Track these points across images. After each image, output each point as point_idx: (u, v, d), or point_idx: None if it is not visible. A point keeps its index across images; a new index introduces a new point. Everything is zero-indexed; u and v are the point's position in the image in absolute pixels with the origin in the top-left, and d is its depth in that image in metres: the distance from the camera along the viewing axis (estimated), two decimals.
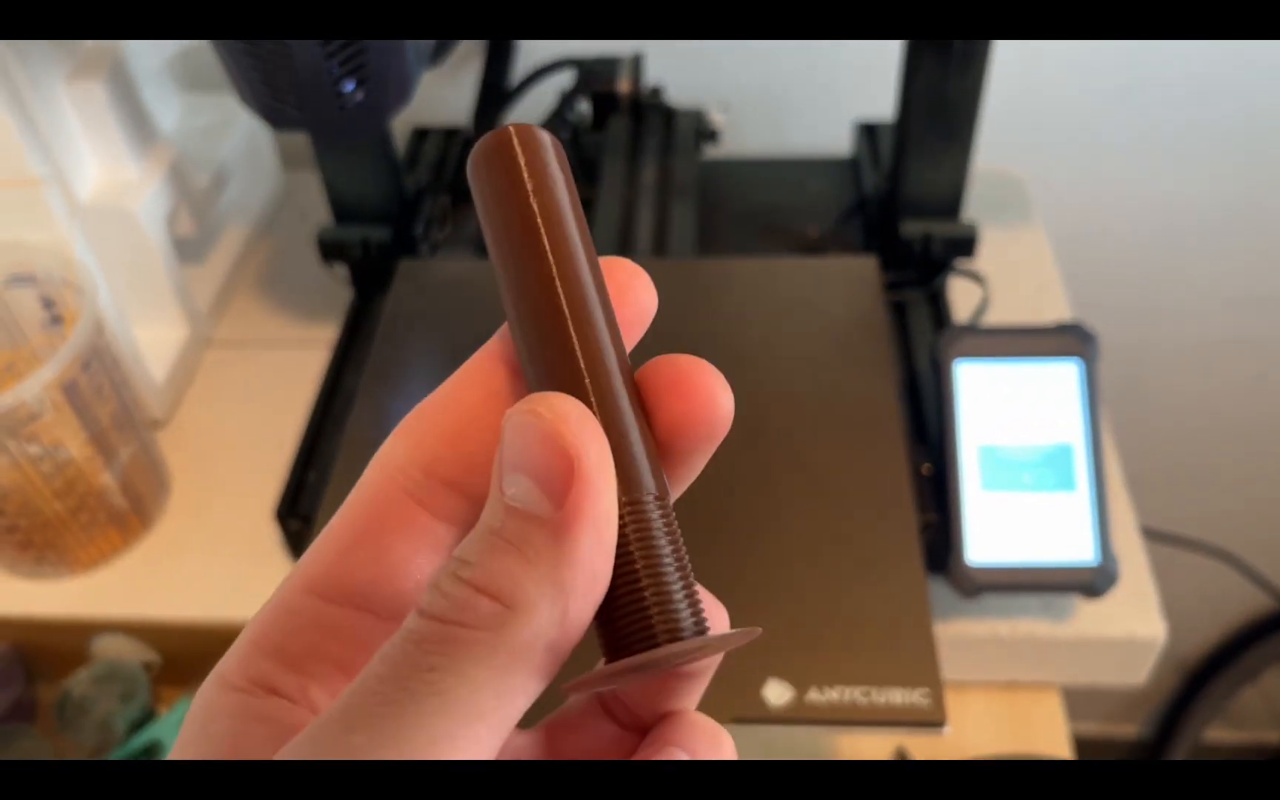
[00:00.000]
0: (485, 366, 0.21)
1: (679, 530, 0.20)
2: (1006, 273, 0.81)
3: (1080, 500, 0.55)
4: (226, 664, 0.20)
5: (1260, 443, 1.20)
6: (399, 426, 0.20)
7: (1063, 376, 0.57)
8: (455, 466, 0.20)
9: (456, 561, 0.17)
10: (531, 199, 0.19)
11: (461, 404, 0.20)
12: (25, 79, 0.61)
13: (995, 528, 0.55)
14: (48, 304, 0.63)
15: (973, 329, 0.58)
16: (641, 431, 0.20)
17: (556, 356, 0.19)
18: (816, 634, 0.45)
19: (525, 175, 0.20)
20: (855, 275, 0.62)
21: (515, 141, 0.20)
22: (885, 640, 0.45)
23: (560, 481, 0.17)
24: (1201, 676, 1.46)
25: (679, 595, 0.19)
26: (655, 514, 0.19)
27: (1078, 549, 0.54)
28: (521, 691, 0.17)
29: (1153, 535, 1.21)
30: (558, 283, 0.19)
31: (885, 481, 0.51)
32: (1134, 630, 0.59)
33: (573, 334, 0.19)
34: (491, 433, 0.19)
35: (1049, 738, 0.62)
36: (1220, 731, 1.50)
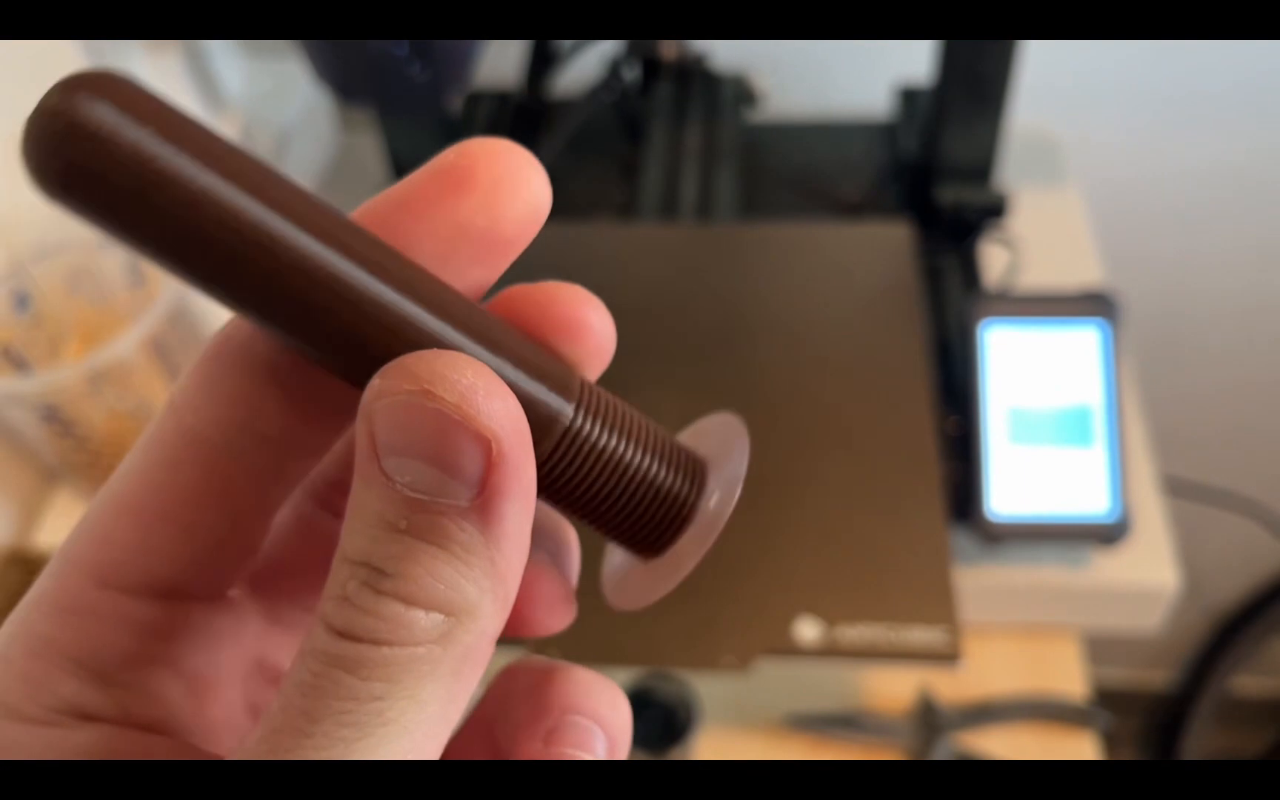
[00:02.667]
0: None
1: (617, 399, 0.18)
2: (1041, 233, 0.83)
3: (1097, 457, 0.58)
4: (6, 692, 0.16)
5: None
6: (202, 360, 0.17)
7: (1085, 340, 0.60)
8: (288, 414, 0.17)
9: (367, 571, 0.14)
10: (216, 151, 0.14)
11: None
12: (110, 53, 0.66)
13: (1017, 481, 0.59)
14: (133, 265, 0.68)
15: (1000, 294, 0.61)
16: (522, 345, 0.17)
17: (391, 309, 0.15)
18: (845, 576, 0.49)
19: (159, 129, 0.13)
20: (889, 241, 0.65)
21: (99, 97, 0.13)
22: (908, 582, 0.49)
23: (475, 465, 0.15)
24: (1231, 627, 1.48)
25: (671, 457, 0.18)
26: (590, 422, 0.17)
27: (1094, 502, 0.58)
28: (471, 685, 0.15)
29: (1186, 489, 1.24)
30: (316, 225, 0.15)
31: (912, 436, 0.55)
32: (1147, 579, 0.62)
33: (390, 272, 0.16)
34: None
35: (1067, 678, 0.66)
36: (1248, 679, 1.53)
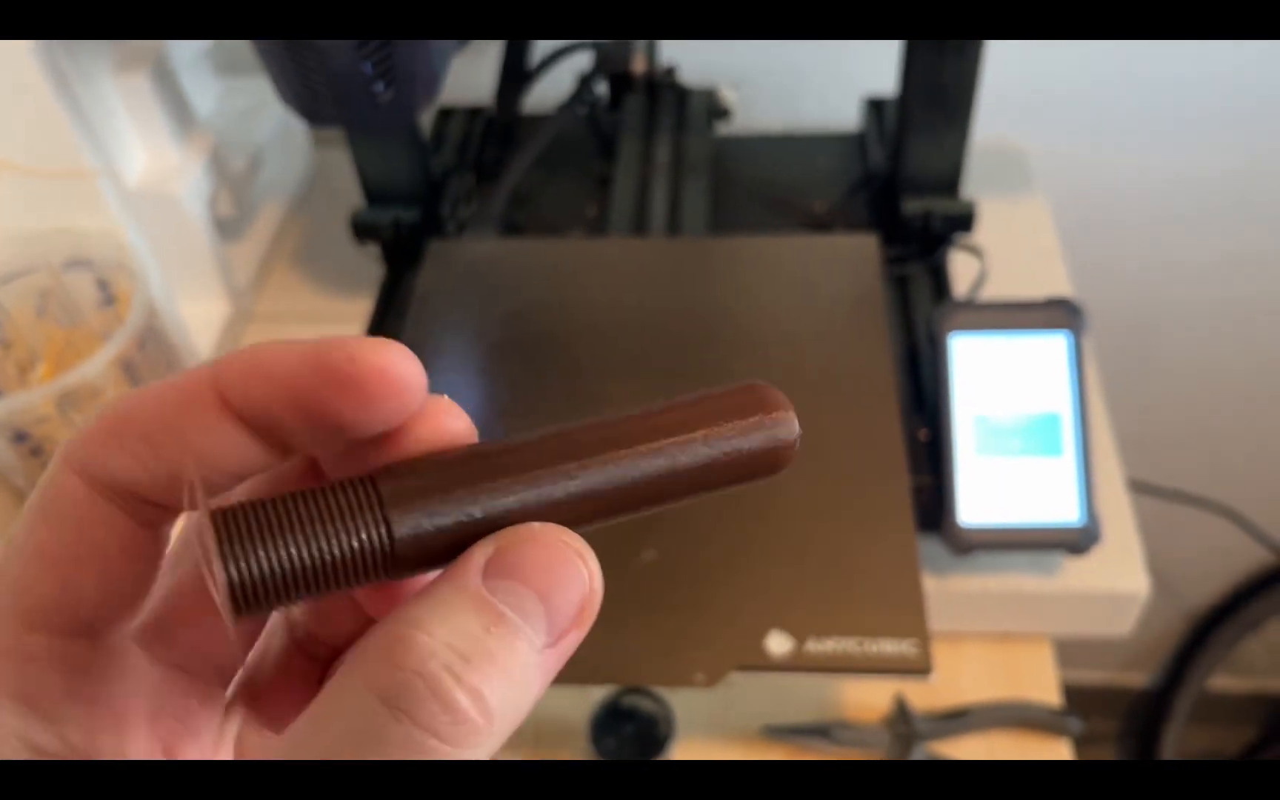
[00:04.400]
0: (196, 379, 0.18)
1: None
2: (1008, 243, 0.84)
3: (1066, 465, 0.59)
4: None
5: (1261, 403, 1.23)
6: (94, 425, 0.18)
7: (1052, 348, 0.60)
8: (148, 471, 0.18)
9: (451, 655, 0.17)
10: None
11: (165, 403, 0.18)
12: (77, 75, 0.65)
13: (986, 490, 0.59)
14: (102, 285, 0.68)
15: (967, 304, 0.61)
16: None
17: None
18: (815, 589, 0.50)
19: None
20: (856, 253, 0.66)
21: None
22: (878, 595, 0.49)
23: (567, 625, 0.18)
24: (1206, 627, 1.50)
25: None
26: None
27: (1063, 510, 0.58)
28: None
29: (1157, 492, 1.25)
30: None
31: (881, 447, 0.55)
32: (1118, 585, 0.63)
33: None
34: (189, 438, 0.18)
35: (1039, 685, 0.66)
36: (1224, 679, 1.54)
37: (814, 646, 0.48)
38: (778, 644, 0.48)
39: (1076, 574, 0.63)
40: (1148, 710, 1.56)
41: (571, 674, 0.50)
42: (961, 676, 0.67)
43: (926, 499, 0.61)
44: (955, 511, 0.59)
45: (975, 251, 0.73)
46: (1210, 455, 1.29)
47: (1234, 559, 1.44)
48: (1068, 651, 0.69)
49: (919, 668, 0.47)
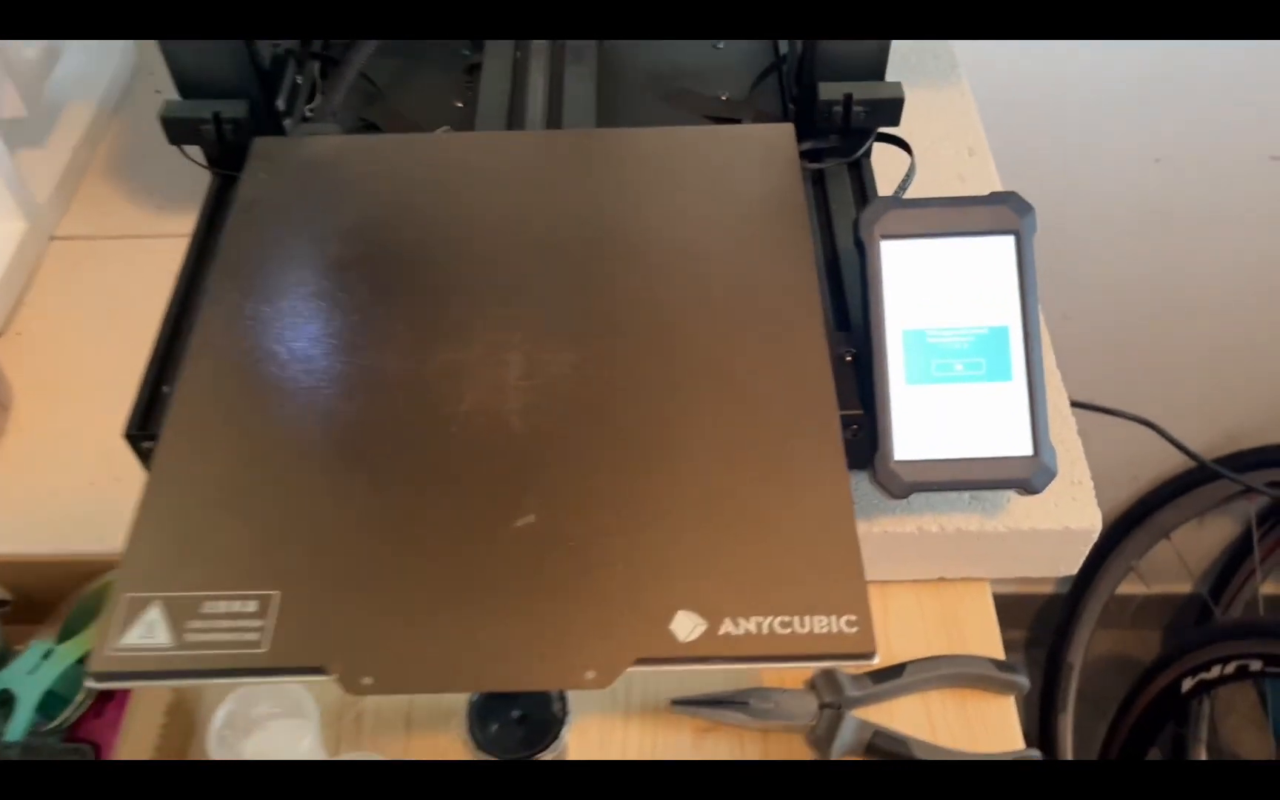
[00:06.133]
0: None
1: None
2: (933, 139, 0.75)
3: (1016, 390, 0.50)
4: None
5: (1176, 312, 1.18)
6: None
7: (996, 253, 0.52)
8: None
9: None
10: None
11: None
12: None
13: (924, 422, 0.50)
14: None
15: (898, 202, 0.52)
16: None
17: None
18: (730, 557, 0.40)
19: None
20: (769, 145, 0.56)
21: None
22: (806, 561, 0.40)
23: None
24: (1116, 535, 1.47)
25: None
26: None
27: (1013, 443, 0.50)
28: None
29: (1074, 405, 1.20)
30: None
31: (804, 378, 0.46)
32: (1069, 522, 0.55)
33: None
34: None
35: (980, 635, 0.59)
36: (1133, 586, 1.53)
37: (730, 629, 0.39)
38: (686, 627, 0.39)
39: (1023, 511, 0.56)
40: (1057, 617, 1.54)
41: (430, 679, 0.41)
42: (892, 629, 0.59)
43: (854, 433, 0.53)
44: (889, 447, 0.50)
45: (903, 144, 0.64)
46: (1126, 361, 1.24)
47: (1147, 468, 1.41)
48: None
49: (859, 650, 0.38)
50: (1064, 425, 0.59)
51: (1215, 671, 1.19)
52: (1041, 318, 0.62)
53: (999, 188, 0.70)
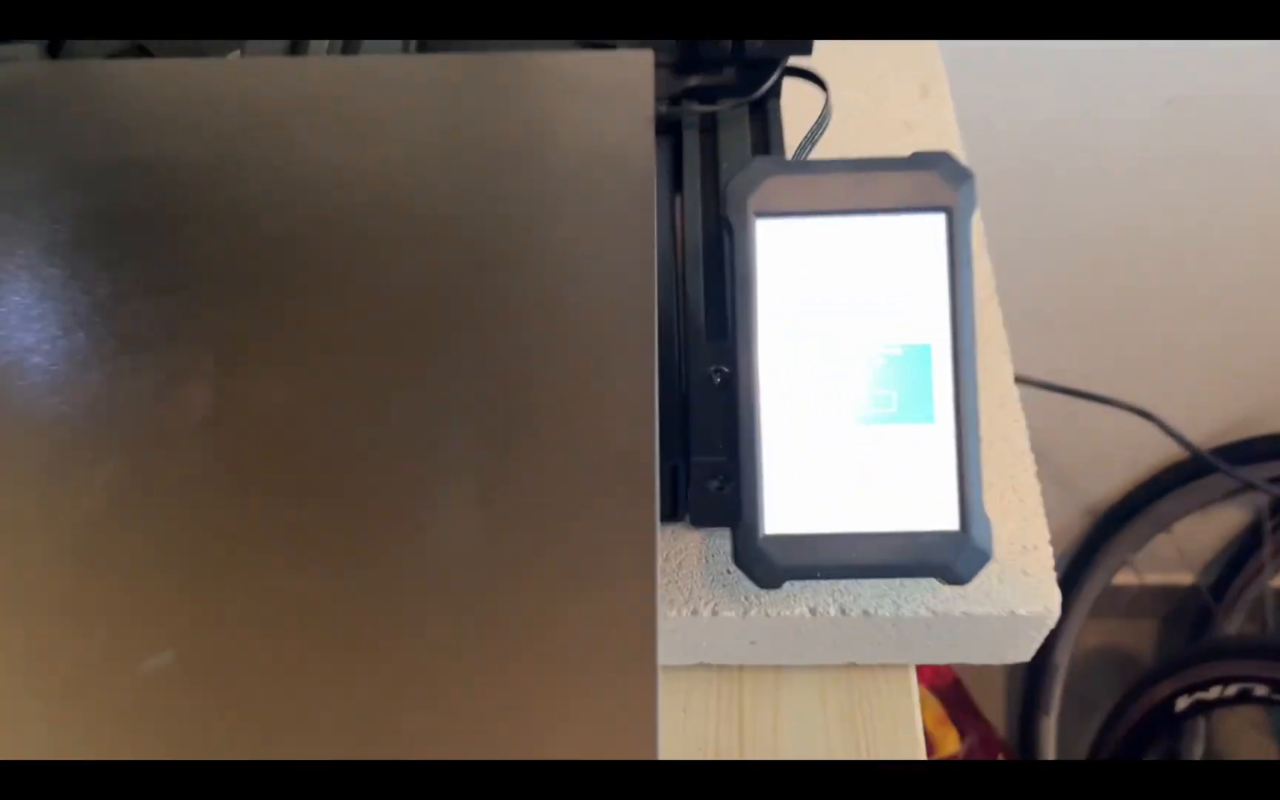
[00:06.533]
0: None
1: None
2: (876, 75, 0.60)
3: (940, 437, 0.35)
4: None
5: (1180, 286, 1.03)
6: None
7: (918, 239, 0.36)
8: None
9: None
10: None
11: None
12: None
13: (809, 480, 0.36)
14: None
15: (781, 165, 0.37)
16: None
17: None
18: (487, 692, 0.26)
19: None
20: (617, 79, 0.40)
21: None
22: (590, 709, 0.26)
23: None
24: (1111, 526, 1.33)
25: None
26: None
27: (933, 514, 0.35)
28: None
29: (1067, 392, 1.05)
30: None
31: (615, 420, 0.31)
32: (1017, 605, 0.40)
33: None
34: None
35: (895, 733, 0.44)
36: (1129, 577, 1.39)
37: None
38: None
39: (955, 589, 0.41)
40: None
41: None
42: (783, 728, 0.45)
43: (720, 488, 0.38)
44: (755, 518, 0.35)
45: (817, 80, 0.48)
46: (1125, 349, 1.09)
47: (1144, 452, 1.26)
48: None
49: None
50: (1018, 464, 0.44)
51: (1215, 692, 1.06)
52: (993, 307, 0.47)
53: (957, 145, 0.55)
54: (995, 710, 1.44)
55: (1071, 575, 1.37)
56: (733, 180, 0.36)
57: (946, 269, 0.36)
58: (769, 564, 0.35)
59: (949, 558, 0.35)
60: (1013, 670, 1.45)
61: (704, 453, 0.37)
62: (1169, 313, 1.04)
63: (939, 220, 0.36)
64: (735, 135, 0.47)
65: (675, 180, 0.47)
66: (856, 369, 0.36)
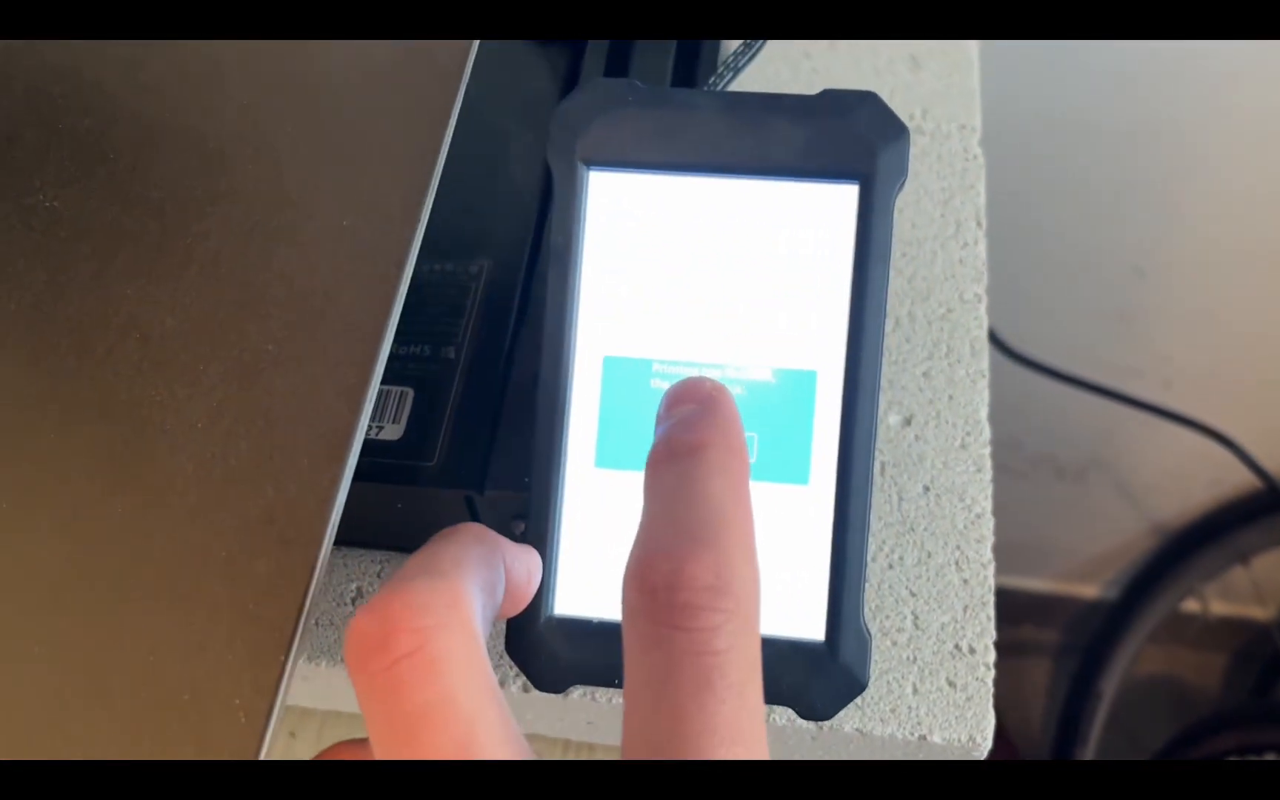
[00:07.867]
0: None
1: None
2: None
3: (813, 505, 0.25)
4: None
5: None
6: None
7: (814, 215, 0.25)
8: None
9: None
10: None
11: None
12: None
13: (623, 547, 0.25)
14: None
15: (634, 90, 0.26)
16: None
17: None
18: None
19: None
20: None
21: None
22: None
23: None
24: (1181, 549, 1.19)
25: None
26: None
27: (790, 618, 0.24)
28: None
29: (1142, 406, 0.92)
30: None
31: (305, 466, 0.21)
32: (931, 730, 0.29)
33: None
34: None
35: None
36: (1195, 605, 1.25)
37: None
38: None
39: (855, 710, 0.30)
40: (1101, 624, 1.27)
41: None
42: None
43: (522, 536, 0.28)
44: (546, 594, 0.25)
45: None
46: (1198, 363, 0.95)
47: (1226, 472, 1.11)
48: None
49: None
50: (970, 530, 0.32)
51: (1270, 757, 0.92)
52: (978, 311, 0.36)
53: (974, 83, 0.43)
54: (1028, 733, 1.32)
55: (1131, 595, 1.24)
56: (558, 107, 0.25)
57: (851, 265, 0.25)
58: (551, 659, 0.25)
59: (802, 680, 0.24)
60: (1051, 690, 1.33)
61: (501, 484, 0.27)
62: (1261, 336, 0.90)
63: (848, 193, 0.25)
64: (652, 63, 0.36)
65: None
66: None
